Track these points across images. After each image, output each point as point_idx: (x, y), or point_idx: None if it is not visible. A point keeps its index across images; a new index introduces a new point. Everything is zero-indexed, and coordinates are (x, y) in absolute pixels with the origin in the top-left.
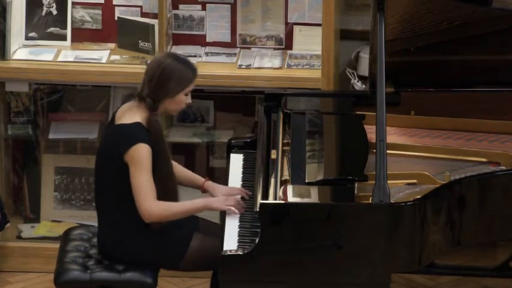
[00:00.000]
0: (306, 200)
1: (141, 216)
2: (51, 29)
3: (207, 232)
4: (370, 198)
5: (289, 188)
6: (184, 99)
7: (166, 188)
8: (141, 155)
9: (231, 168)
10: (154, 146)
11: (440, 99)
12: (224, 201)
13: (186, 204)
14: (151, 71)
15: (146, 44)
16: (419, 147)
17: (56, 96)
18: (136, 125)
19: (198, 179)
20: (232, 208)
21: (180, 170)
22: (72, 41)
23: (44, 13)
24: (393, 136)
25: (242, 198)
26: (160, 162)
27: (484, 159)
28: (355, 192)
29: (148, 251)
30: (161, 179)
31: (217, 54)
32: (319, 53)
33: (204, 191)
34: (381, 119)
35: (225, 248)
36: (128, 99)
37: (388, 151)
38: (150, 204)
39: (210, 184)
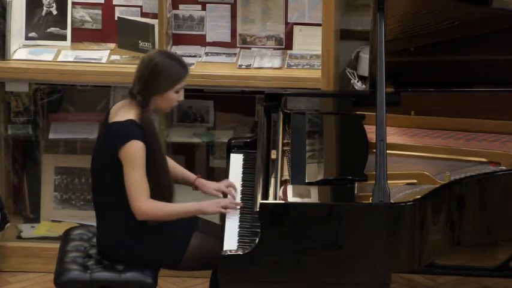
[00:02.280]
0: (306, 200)
1: (133, 213)
2: (51, 29)
3: (207, 232)
4: (370, 198)
5: (289, 188)
6: (174, 96)
7: (161, 185)
8: (134, 152)
9: (231, 168)
10: (148, 143)
11: (440, 99)
12: (217, 203)
13: (179, 206)
14: (141, 68)
15: (146, 44)
16: (420, 147)
17: (56, 96)
18: (130, 122)
19: (190, 176)
20: (228, 210)
21: (172, 166)
22: (72, 41)
23: (44, 13)
24: (393, 136)
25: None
26: (154, 159)
27: (484, 159)
28: (355, 192)
29: (147, 250)
30: (155, 176)
31: (217, 54)
32: (319, 53)
33: (196, 188)
34: (381, 119)
35: (225, 248)
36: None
37: (388, 151)
38: (143, 202)
39: (201, 181)
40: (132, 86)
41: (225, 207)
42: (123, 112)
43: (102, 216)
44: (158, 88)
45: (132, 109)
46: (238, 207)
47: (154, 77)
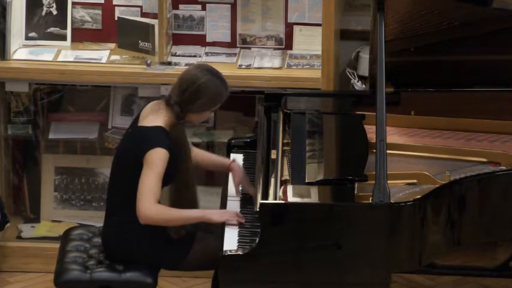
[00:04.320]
0: (306, 200)
1: (137, 215)
2: (51, 29)
3: (209, 232)
4: (370, 198)
5: (289, 188)
6: (209, 114)
7: (185, 196)
8: (156, 158)
9: None
10: (175, 153)
11: (440, 99)
12: (223, 214)
13: (183, 212)
14: (186, 82)
15: (146, 44)
16: (420, 147)
17: (56, 96)
18: (158, 128)
19: (224, 160)
20: (231, 221)
21: (203, 154)
22: (72, 41)
23: (44, 13)
24: (393, 136)
25: (243, 204)
26: (179, 171)
27: (484, 159)
28: (355, 192)
29: (151, 251)
30: (181, 187)
31: (217, 54)
32: (319, 53)
33: (230, 170)
34: (381, 119)
35: (225, 248)
36: (130, 99)
37: (388, 151)
38: (149, 205)
39: (235, 165)
40: (170, 95)
41: (230, 220)
42: (153, 117)
43: (112, 215)
44: (199, 107)
45: (162, 114)
46: (242, 221)
47: (198, 96)
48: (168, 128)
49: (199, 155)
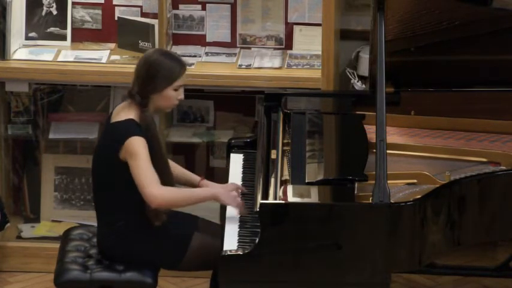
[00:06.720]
0: (306, 200)
1: (147, 202)
2: (51, 29)
3: (207, 232)
4: (370, 198)
5: (289, 188)
6: (174, 94)
7: (163, 184)
8: (136, 147)
9: (231, 168)
10: (148, 142)
11: (440, 99)
12: (235, 197)
13: (193, 190)
14: (138, 68)
15: (146, 44)
16: (420, 147)
17: (56, 96)
18: (129, 121)
19: (194, 177)
20: (240, 204)
21: (173, 167)
22: (72, 41)
23: (44, 13)
24: (394, 136)
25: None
26: (154, 159)
27: (484, 159)
28: (355, 192)
29: (148, 250)
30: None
31: (217, 54)
32: (319, 53)
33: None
34: (381, 119)
35: (225, 248)
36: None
37: (388, 151)
38: (155, 188)
39: (205, 183)
40: (131, 87)
41: (237, 207)
42: (124, 113)
43: (102, 216)
44: (156, 86)
45: (132, 109)
46: (242, 212)
47: (151, 75)
48: (138, 120)
49: (172, 167)
